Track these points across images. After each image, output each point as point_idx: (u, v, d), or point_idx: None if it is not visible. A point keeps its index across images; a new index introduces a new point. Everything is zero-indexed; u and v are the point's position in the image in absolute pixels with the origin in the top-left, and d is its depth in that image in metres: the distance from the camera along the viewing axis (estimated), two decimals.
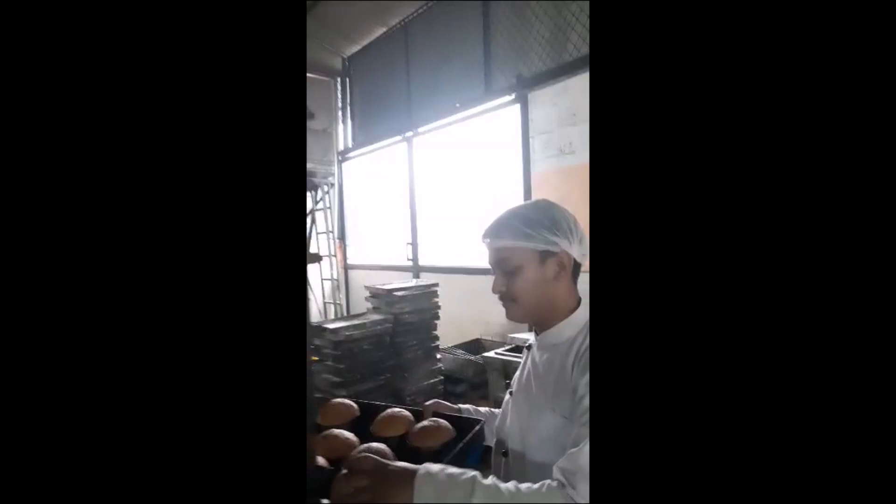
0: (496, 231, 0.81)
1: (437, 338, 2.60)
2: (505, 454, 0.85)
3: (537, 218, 0.79)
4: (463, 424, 0.90)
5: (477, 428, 0.87)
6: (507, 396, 0.93)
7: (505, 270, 0.81)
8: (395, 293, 2.41)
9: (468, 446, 0.84)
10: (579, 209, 2.45)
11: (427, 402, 0.99)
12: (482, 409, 1.06)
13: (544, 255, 0.78)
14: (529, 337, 2.63)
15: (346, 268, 4.03)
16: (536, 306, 0.81)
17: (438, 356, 2.61)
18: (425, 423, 0.89)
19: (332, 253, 3.76)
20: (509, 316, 0.84)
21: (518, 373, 0.92)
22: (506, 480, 0.88)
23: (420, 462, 0.63)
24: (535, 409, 0.78)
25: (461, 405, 1.03)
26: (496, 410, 1.03)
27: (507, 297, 0.82)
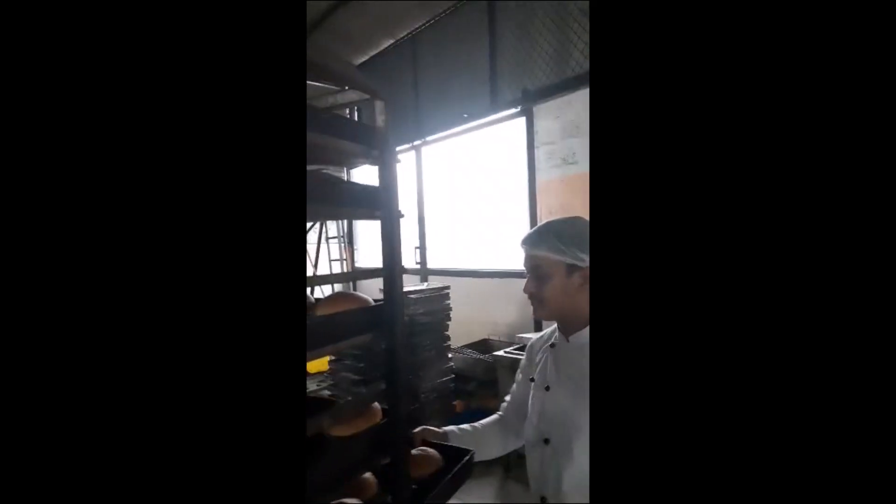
0: (534, 240, 0.98)
1: (448, 338, 2.80)
2: (546, 441, 0.99)
3: (571, 235, 0.96)
4: (452, 454, 0.90)
5: (466, 459, 0.89)
6: (534, 391, 1.06)
7: (537, 276, 0.99)
8: (410, 296, 2.60)
9: (459, 480, 0.85)
10: (581, 215, 2.69)
11: (415, 430, 1.03)
12: (466, 426, 1.13)
13: (571, 268, 0.96)
14: (534, 336, 2.78)
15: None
16: (560, 309, 1.00)
17: (450, 356, 2.81)
18: (414, 452, 0.89)
19: (343, 257, 3.96)
20: (536, 314, 1.03)
21: (544, 368, 1.07)
22: (547, 468, 0.99)
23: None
24: (580, 403, 0.93)
25: (446, 428, 1.09)
26: (481, 424, 1.12)
27: (536, 299, 1.00)
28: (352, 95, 0.79)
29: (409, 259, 3.63)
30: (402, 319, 0.86)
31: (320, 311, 0.81)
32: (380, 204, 0.85)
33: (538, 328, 2.91)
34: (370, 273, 0.86)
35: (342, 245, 3.98)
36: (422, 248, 3.55)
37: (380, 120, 0.84)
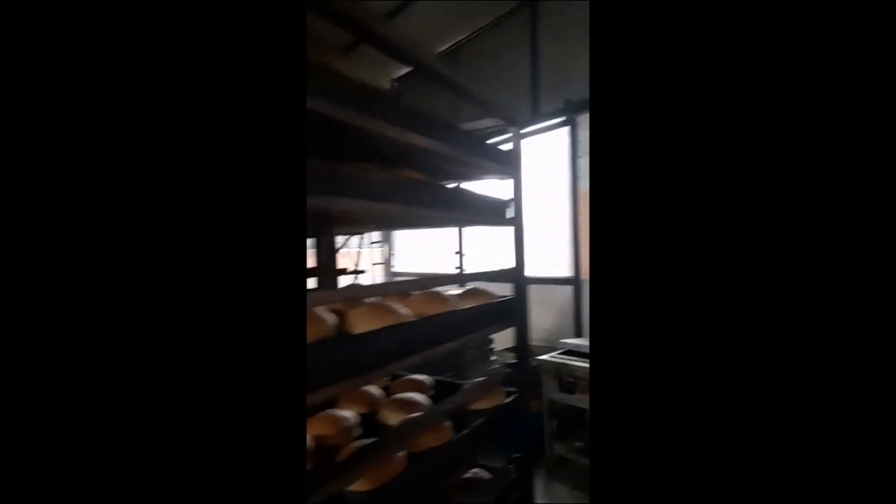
0: None
1: (491, 341, 2.95)
2: None
3: None
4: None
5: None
6: None
7: None
8: None
9: None
10: None
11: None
12: None
13: None
14: (580, 342, 2.81)
15: (392, 276, 4.42)
16: None
17: (493, 358, 2.96)
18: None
19: (384, 261, 4.17)
20: None
21: None
22: None
23: None
24: None
25: None
26: None
27: None
28: (488, 122, 0.94)
29: (447, 265, 3.80)
30: (527, 311, 1.03)
31: (464, 304, 0.98)
32: (508, 214, 1.02)
33: (578, 334, 3.05)
34: (501, 274, 1.03)
35: (383, 250, 4.20)
36: (461, 253, 3.72)
37: (514, 143, 1.01)
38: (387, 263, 4.24)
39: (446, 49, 3.91)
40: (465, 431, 0.89)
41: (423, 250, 4.17)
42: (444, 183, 1.04)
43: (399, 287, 0.97)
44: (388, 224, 1.20)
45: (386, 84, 4.69)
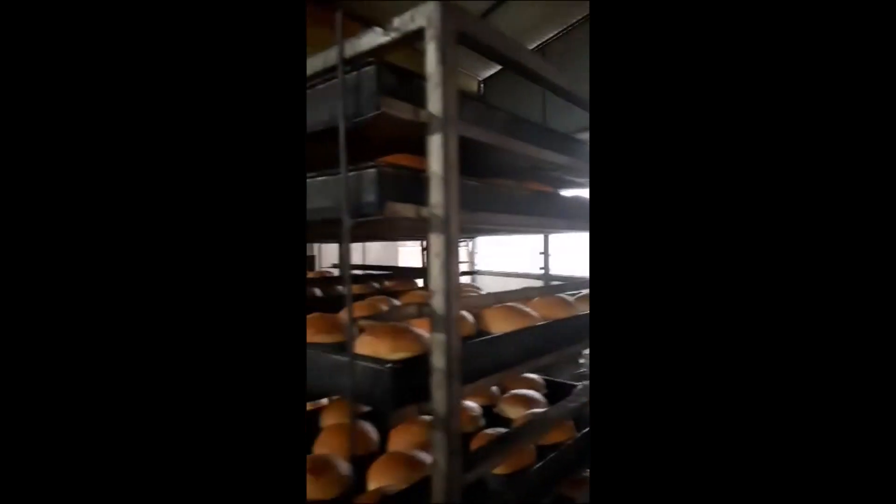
0: None
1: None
2: None
3: None
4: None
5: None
6: None
7: None
8: None
9: None
10: None
11: None
12: None
13: None
14: None
15: (474, 273, 4.54)
16: None
17: (581, 360, 2.94)
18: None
19: (471, 260, 4.31)
20: None
21: None
22: None
23: None
24: None
25: None
26: None
27: None
28: None
29: (530, 265, 3.82)
30: None
31: (583, 308, 1.03)
32: None
33: None
34: None
35: (467, 249, 4.34)
36: (546, 253, 3.72)
37: None
38: (471, 262, 4.36)
39: (533, 49, 3.92)
40: (586, 430, 0.94)
41: (503, 250, 4.23)
42: (560, 191, 1.09)
43: (534, 292, 1.03)
44: (514, 231, 1.27)
45: (473, 85, 4.79)
